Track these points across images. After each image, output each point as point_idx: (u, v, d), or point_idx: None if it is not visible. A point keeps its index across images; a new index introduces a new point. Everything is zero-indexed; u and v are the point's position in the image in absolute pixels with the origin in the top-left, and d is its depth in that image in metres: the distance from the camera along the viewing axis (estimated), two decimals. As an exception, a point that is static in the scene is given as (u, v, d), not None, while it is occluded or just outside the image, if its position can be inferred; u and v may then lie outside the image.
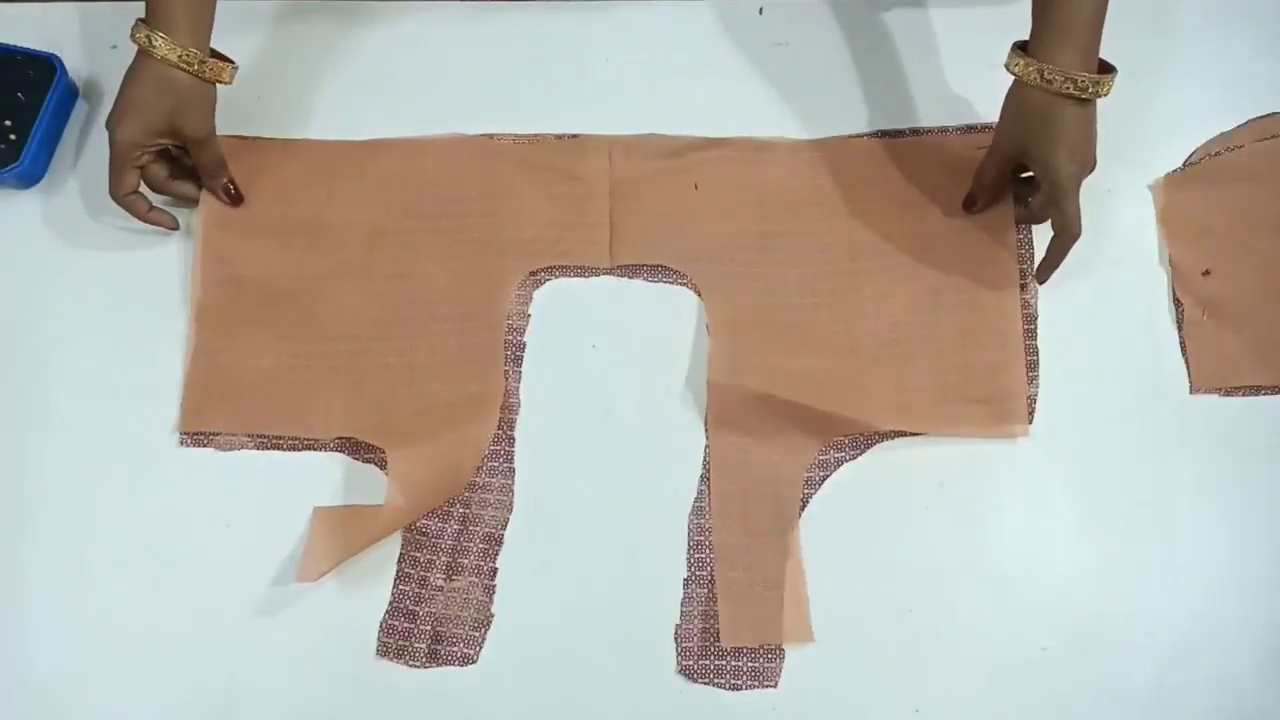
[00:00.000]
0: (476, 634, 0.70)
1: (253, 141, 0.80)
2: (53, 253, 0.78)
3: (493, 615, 0.70)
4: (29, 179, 0.78)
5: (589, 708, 0.69)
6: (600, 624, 0.70)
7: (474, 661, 0.69)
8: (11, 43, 0.78)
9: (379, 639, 0.69)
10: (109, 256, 0.77)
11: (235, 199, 0.77)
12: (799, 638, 0.69)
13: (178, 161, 0.76)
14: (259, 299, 0.76)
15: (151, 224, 0.75)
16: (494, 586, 0.70)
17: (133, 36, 0.70)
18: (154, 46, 0.69)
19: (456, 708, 0.68)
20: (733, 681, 0.69)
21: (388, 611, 0.70)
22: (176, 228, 0.77)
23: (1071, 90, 0.67)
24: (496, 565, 0.71)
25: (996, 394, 0.73)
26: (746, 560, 0.70)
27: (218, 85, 0.73)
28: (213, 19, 0.72)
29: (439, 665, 0.69)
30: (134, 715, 0.69)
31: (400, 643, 0.69)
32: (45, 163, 0.79)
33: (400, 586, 0.70)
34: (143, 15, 0.70)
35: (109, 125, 0.71)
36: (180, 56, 0.69)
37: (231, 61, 0.73)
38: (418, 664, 0.69)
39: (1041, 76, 0.67)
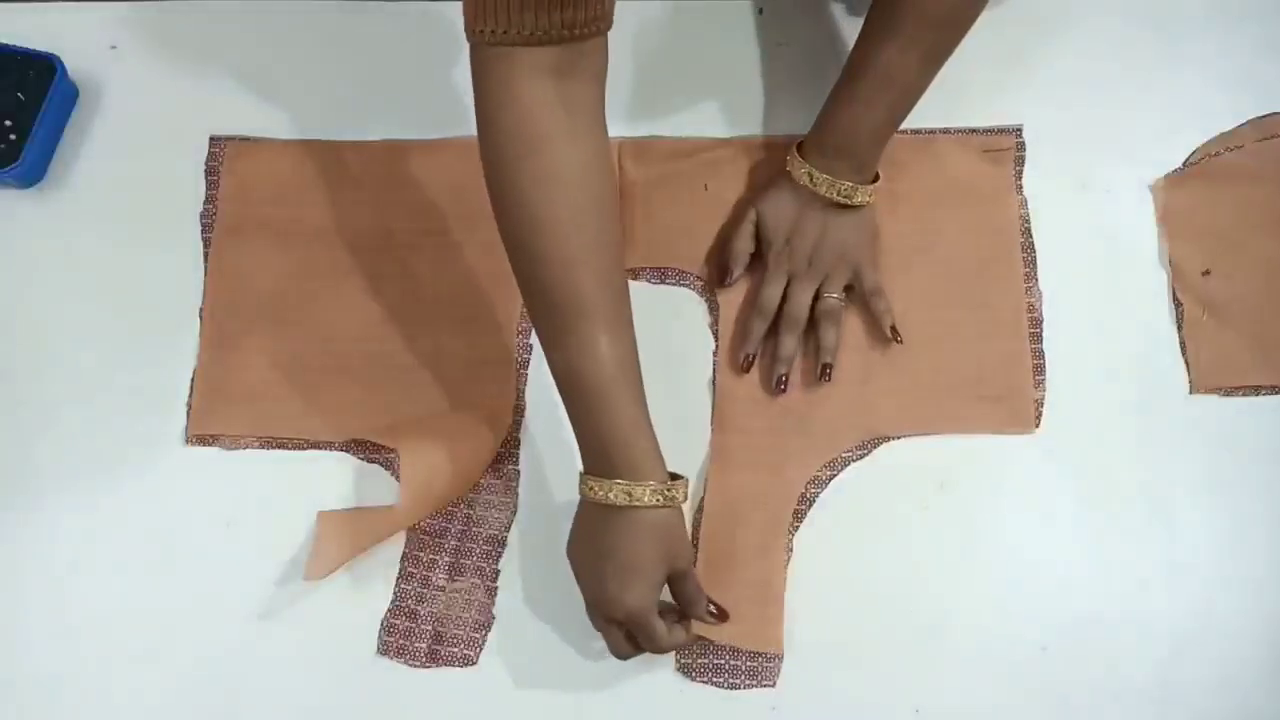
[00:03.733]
0: (477, 635, 0.70)
1: (256, 143, 0.79)
2: (53, 253, 0.78)
3: (494, 617, 0.70)
4: (29, 179, 0.78)
5: (589, 708, 0.69)
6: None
7: (474, 663, 0.69)
8: (11, 43, 0.78)
9: (380, 637, 0.70)
10: (109, 256, 0.77)
11: (721, 617, 0.66)
12: (768, 646, 0.69)
13: None
14: (266, 302, 0.76)
15: (684, 643, 0.66)
16: (495, 589, 0.70)
17: (604, 495, 0.61)
18: (642, 499, 0.61)
19: (456, 708, 0.69)
20: (731, 680, 0.69)
21: (389, 610, 0.70)
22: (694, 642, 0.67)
23: (834, 196, 0.70)
24: (499, 567, 0.71)
25: (1007, 392, 0.73)
26: (731, 562, 0.70)
27: None
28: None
29: (439, 665, 0.69)
30: (134, 715, 0.69)
31: (401, 642, 0.69)
32: (45, 163, 0.79)
33: (402, 585, 0.71)
34: (588, 468, 0.63)
35: (613, 600, 0.62)
36: (665, 496, 0.62)
37: (681, 476, 0.64)
38: (418, 664, 0.69)
39: (810, 179, 0.71)
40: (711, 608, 0.66)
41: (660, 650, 0.64)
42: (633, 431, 0.62)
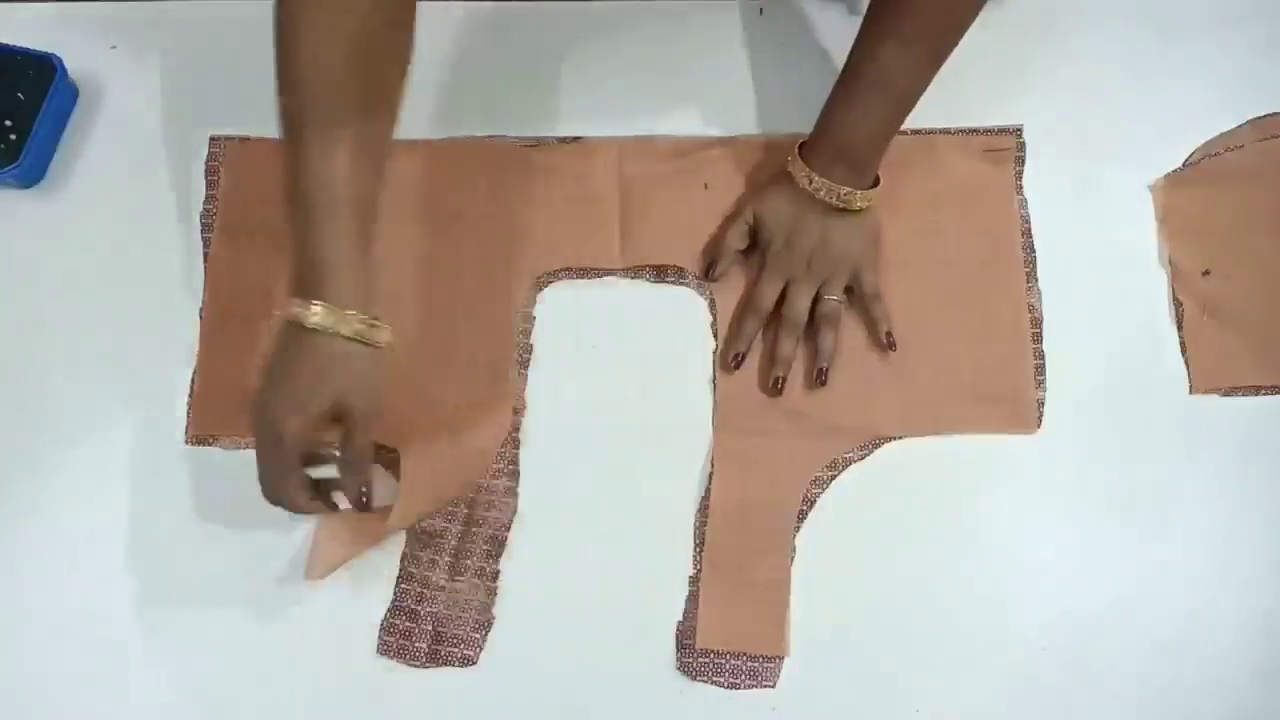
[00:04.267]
0: (477, 635, 0.70)
1: (256, 143, 0.79)
2: (53, 253, 0.78)
3: (494, 618, 0.70)
4: (29, 179, 0.78)
5: (589, 708, 0.69)
6: (600, 624, 0.70)
7: (474, 663, 0.69)
8: (11, 43, 0.78)
9: (380, 637, 0.70)
10: (109, 257, 0.77)
11: (360, 507, 0.64)
12: (774, 649, 0.69)
13: None
14: (266, 302, 0.76)
15: (310, 512, 0.64)
16: (496, 589, 0.70)
17: (289, 312, 0.59)
18: (323, 322, 0.58)
19: (456, 708, 0.69)
20: (731, 680, 0.69)
21: (389, 610, 0.70)
22: (336, 509, 0.66)
23: (833, 201, 0.70)
24: (499, 568, 0.71)
25: (1008, 392, 0.73)
26: (736, 564, 0.70)
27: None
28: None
29: (439, 665, 0.69)
30: (134, 715, 0.69)
31: (401, 641, 0.69)
32: (45, 163, 0.79)
33: (403, 585, 0.71)
34: (293, 289, 0.60)
35: (266, 415, 0.59)
36: (356, 331, 0.59)
37: (384, 324, 0.62)
38: (418, 664, 0.69)
39: (810, 183, 0.71)
40: (364, 491, 0.62)
41: (275, 489, 0.61)
42: (341, 256, 0.59)
